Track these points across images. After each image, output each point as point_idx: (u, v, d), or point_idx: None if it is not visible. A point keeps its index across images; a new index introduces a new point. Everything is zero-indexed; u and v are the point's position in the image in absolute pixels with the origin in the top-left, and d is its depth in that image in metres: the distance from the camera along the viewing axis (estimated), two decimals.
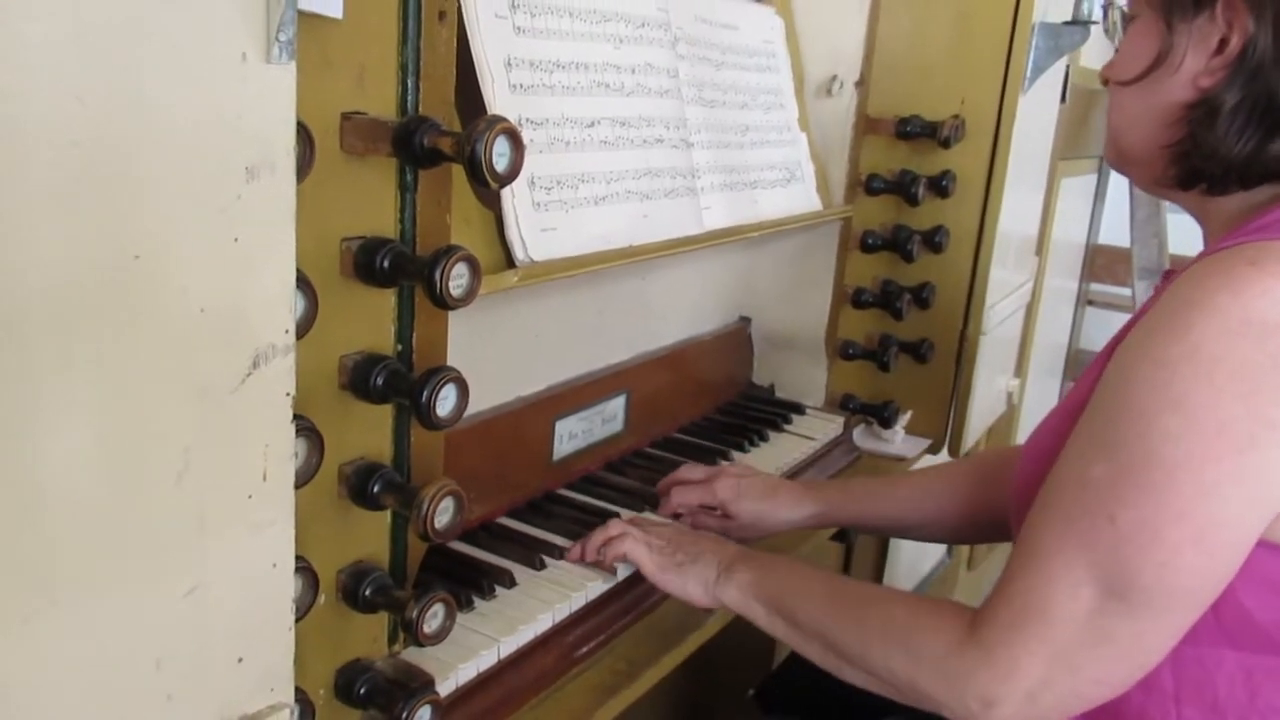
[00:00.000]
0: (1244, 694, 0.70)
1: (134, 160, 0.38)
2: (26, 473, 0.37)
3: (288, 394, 0.45)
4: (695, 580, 0.90)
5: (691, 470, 1.07)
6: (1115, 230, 2.80)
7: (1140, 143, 0.78)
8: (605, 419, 1.13)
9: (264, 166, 0.42)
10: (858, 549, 1.53)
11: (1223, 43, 0.70)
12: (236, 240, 0.41)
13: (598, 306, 1.08)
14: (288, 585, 0.48)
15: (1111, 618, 0.65)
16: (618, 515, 1.01)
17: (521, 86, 0.78)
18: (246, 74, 0.40)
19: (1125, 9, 0.83)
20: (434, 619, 0.68)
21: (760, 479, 1.07)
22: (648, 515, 1.05)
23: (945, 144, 1.36)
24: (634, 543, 0.92)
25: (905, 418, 1.46)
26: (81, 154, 0.36)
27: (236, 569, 0.45)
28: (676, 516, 1.04)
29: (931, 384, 1.47)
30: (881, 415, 1.43)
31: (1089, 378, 0.74)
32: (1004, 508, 0.85)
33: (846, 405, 1.44)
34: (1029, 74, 1.41)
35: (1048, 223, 2.07)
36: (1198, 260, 0.69)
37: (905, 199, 1.38)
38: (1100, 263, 2.85)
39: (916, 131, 1.38)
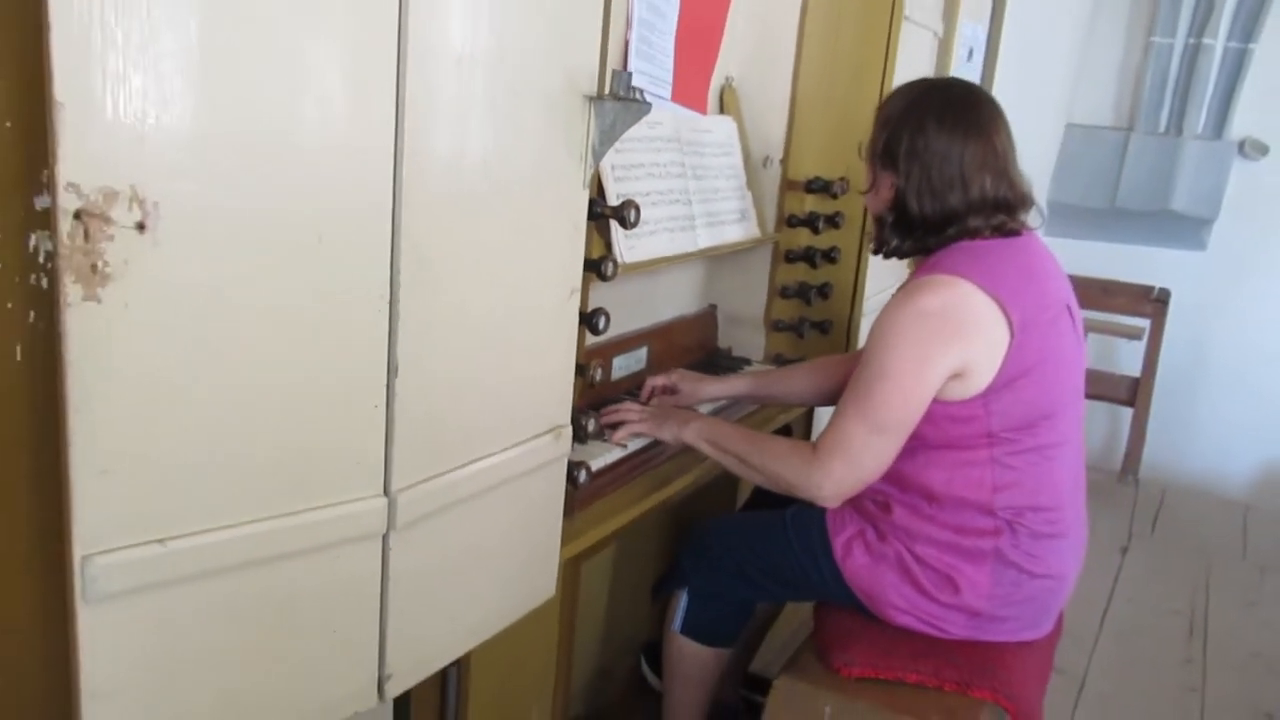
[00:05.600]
0: (939, 472, 1.58)
1: (545, 293, 1.24)
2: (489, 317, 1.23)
3: (576, 302, 1.32)
4: (668, 431, 1.72)
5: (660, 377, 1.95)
6: None
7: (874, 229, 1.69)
8: (637, 360, 2.00)
9: (572, 290, 1.29)
10: None
11: (892, 181, 1.60)
12: (573, 292, 1.28)
13: (637, 292, 1.96)
14: (570, 369, 1.34)
15: (870, 439, 1.53)
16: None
17: (617, 179, 1.66)
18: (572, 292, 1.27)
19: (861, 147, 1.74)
20: (590, 423, 1.53)
21: (698, 374, 1.95)
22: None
23: (836, 196, 2.27)
24: (632, 422, 1.73)
25: None
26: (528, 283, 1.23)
27: (558, 360, 1.32)
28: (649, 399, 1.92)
29: (832, 347, 2.38)
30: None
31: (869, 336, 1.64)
32: None
33: (778, 360, 2.33)
34: None
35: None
36: (906, 283, 1.58)
37: (812, 230, 2.29)
38: None
39: (818, 188, 2.28)
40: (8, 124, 0.84)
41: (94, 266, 0.85)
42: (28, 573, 0.94)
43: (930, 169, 1.55)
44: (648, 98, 1.72)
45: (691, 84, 2.00)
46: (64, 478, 0.89)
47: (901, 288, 1.58)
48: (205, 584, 0.98)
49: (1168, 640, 2.99)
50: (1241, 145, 4.50)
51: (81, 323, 0.86)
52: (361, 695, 1.15)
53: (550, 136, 1.21)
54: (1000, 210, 1.57)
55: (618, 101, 1.25)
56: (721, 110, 2.14)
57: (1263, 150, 4.47)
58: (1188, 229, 4.67)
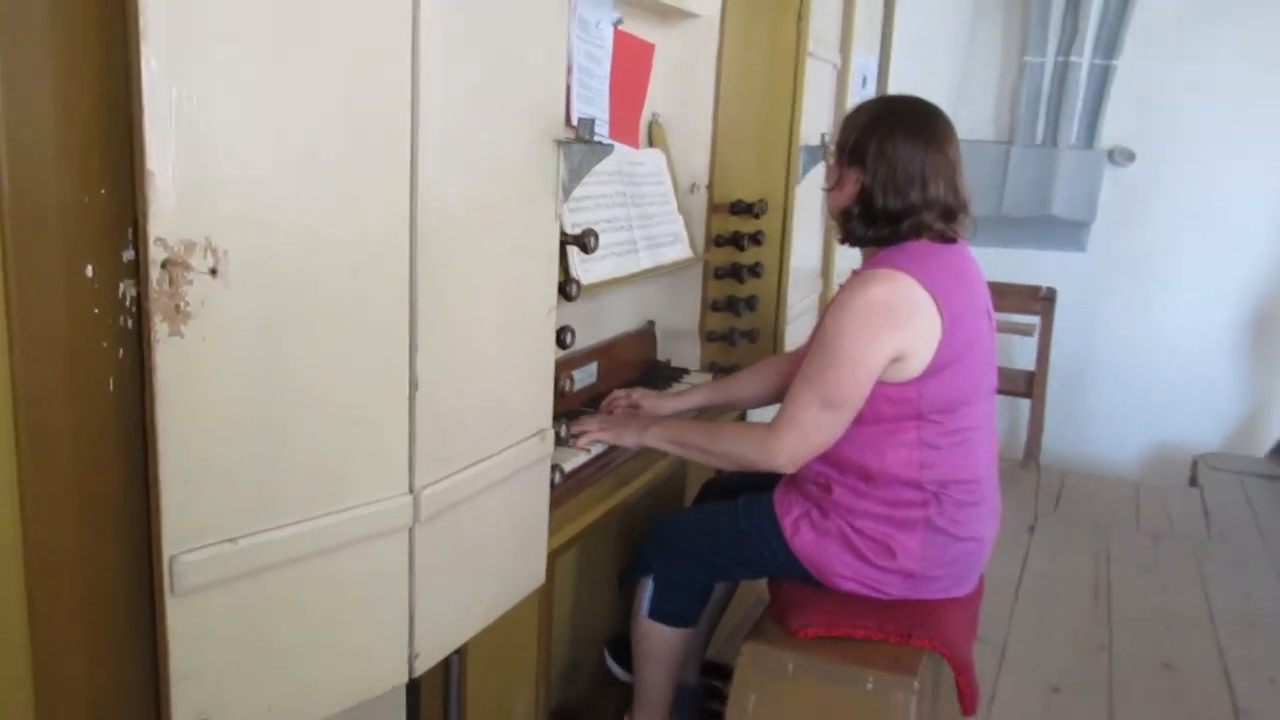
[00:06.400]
0: (874, 454, 1.81)
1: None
2: (480, 324, 1.42)
3: (552, 320, 1.51)
4: (629, 438, 1.93)
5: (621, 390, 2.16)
6: None
7: (834, 220, 1.93)
8: (589, 374, 2.20)
9: (549, 309, 1.48)
10: None
11: (859, 178, 1.84)
12: (550, 310, 1.47)
13: (585, 313, 2.15)
14: (550, 380, 1.53)
15: (821, 415, 1.76)
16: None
17: (571, 210, 1.86)
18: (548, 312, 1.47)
19: (830, 149, 1.99)
20: (562, 430, 1.72)
21: (657, 392, 2.16)
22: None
23: (757, 216, 2.51)
24: (594, 431, 1.94)
25: None
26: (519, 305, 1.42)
27: (540, 370, 1.51)
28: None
29: (762, 354, 2.60)
30: (730, 374, 2.54)
31: (819, 323, 1.87)
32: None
33: (713, 368, 2.54)
34: (800, 173, 2.58)
35: (830, 260, 3.26)
36: (855, 275, 1.82)
37: (737, 248, 2.52)
38: None
39: (741, 209, 2.52)
40: (102, 191, 1.01)
41: (177, 307, 1.02)
42: (118, 572, 1.09)
43: (896, 169, 1.79)
44: (597, 138, 1.93)
45: (625, 121, 2.21)
46: (153, 489, 1.05)
47: (851, 279, 1.80)
48: (269, 576, 1.14)
49: (1076, 606, 3.29)
50: (1111, 153, 4.91)
51: (168, 356, 1.02)
52: (396, 673, 1.32)
53: (529, 177, 1.40)
54: (944, 216, 1.81)
55: (584, 144, 1.45)
56: (651, 143, 2.36)
57: (1130, 157, 4.88)
58: (1068, 232, 5.06)
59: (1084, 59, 4.80)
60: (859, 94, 3.16)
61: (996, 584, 3.30)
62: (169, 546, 1.06)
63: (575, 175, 1.47)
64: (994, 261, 4.91)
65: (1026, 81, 4.95)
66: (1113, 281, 4.98)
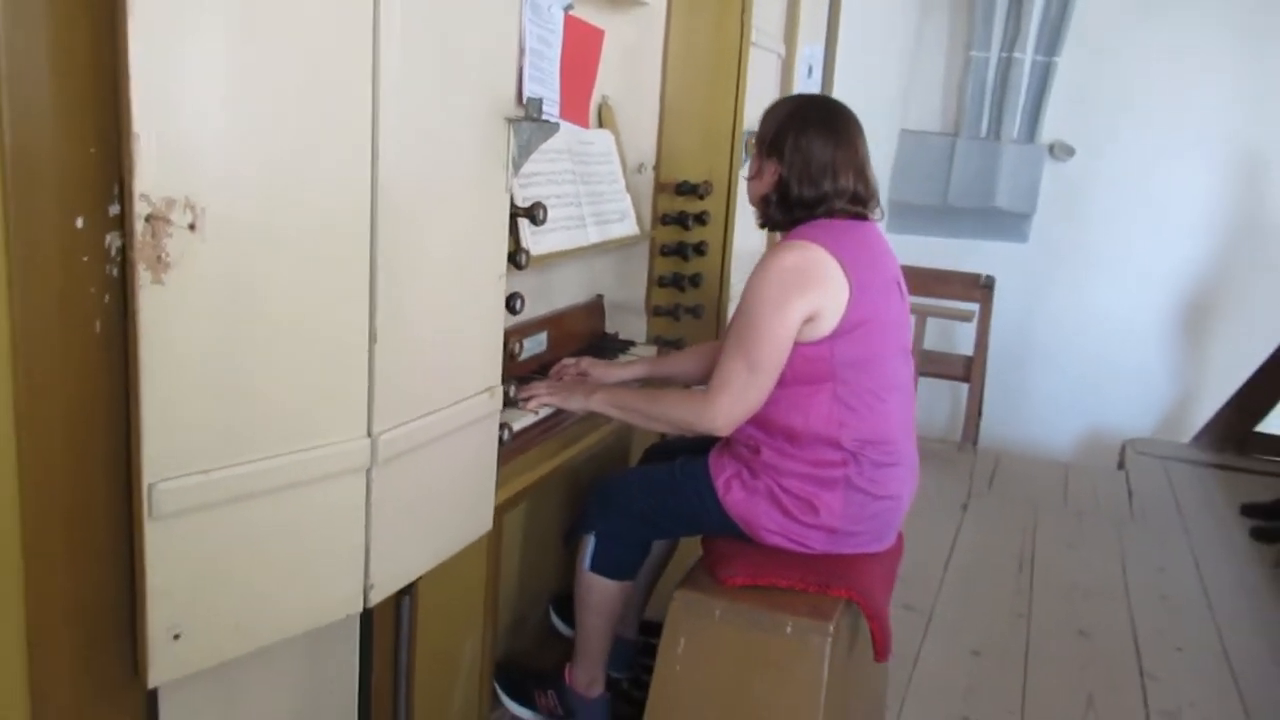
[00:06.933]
0: (797, 414, 1.97)
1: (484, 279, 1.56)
2: (434, 287, 1.55)
3: (502, 286, 1.64)
4: (575, 402, 2.07)
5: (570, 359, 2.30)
6: None
7: (754, 206, 2.08)
8: (539, 343, 2.33)
9: (499, 275, 1.61)
10: None
11: (777, 169, 2.00)
12: (500, 277, 1.60)
13: (536, 285, 2.29)
14: (500, 340, 1.66)
15: (749, 378, 1.90)
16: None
17: (522, 185, 1.99)
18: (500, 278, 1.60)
19: (751, 142, 2.14)
20: (512, 390, 1.86)
21: (605, 362, 2.31)
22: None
23: (702, 197, 2.65)
24: (542, 395, 2.09)
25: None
26: (470, 263, 1.55)
27: (490, 331, 1.64)
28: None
29: (705, 328, 2.75)
30: (676, 347, 2.69)
31: (742, 296, 2.02)
32: None
33: (658, 341, 2.69)
34: (743, 158, 2.72)
35: (772, 242, 3.42)
36: (774, 247, 1.97)
37: (682, 227, 2.66)
38: None
39: (687, 190, 2.66)
40: (91, 150, 1.12)
41: (159, 258, 1.14)
42: (103, 498, 1.21)
43: (810, 161, 1.98)
44: (545, 117, 2.06)
45: (575, 102, 2.34)
46: (134, 422, 1.17)
47: (767, 252, 1.96)
48: (239, 506, 1.27)
49: (1001, 577, 3.48)
50: (1051, 148, 5.11)
51: (151, 302, 1.14)
52: (351, 601, 1.45)
53: (481, 153, 1.53)
54: (854, 201, 2.01)
55: (533, 122, 1.58)
56: (600, 124, 2.49)
57: (1069, 152, 5.09)
58: (1011, 223, 5.26)
59: (1026, 55, 4.99)
60: (805, 83, 3.31)
61: (927, 557, 3.49)
62: (148, 475, 1.18)
63: (524, 151, 1.60)
64: (940, 250, 5.13)
65: (971, 76, 5.13)
66: (1053, 272, 5.20)
